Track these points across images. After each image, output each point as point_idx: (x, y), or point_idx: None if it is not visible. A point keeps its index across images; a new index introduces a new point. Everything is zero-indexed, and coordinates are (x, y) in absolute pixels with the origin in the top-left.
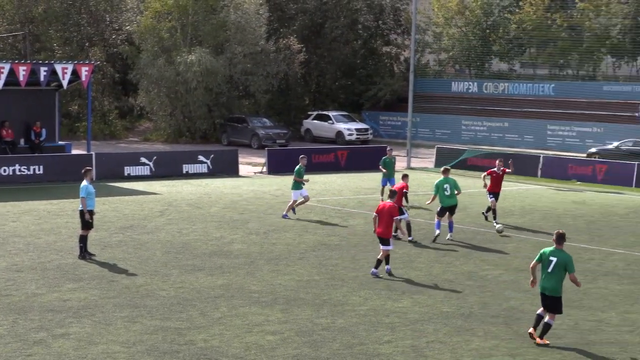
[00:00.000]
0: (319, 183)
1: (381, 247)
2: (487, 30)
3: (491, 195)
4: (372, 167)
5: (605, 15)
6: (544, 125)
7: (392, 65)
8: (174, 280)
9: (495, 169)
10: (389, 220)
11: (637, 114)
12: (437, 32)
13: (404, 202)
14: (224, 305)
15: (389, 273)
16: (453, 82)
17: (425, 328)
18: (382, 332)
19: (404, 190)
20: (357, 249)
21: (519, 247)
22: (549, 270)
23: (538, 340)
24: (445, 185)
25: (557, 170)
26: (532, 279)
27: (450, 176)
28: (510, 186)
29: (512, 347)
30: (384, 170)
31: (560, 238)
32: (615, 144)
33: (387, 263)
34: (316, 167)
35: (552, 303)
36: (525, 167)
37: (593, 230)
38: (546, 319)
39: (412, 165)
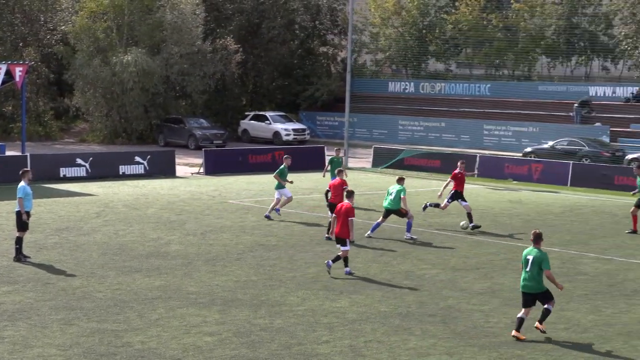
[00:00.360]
0: (256, 183)
1: (341, 248)
2: (424, 31)
3: (463, 201)
4: (309, 167)
5: (540, 16)
6: (480, 125)
7: (329, 65)
8: (111, 282)
9: (458, 170)
10: (345, 221)
11: (572, 114)
12: (373, 32)
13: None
14: (161, 306)
15: (349, 273)
16: (390, 82)
17: (363, 328)
18: (320, 332)
19: (343, 187)
20: (295, 250)
21: (456, 246)
22: (527, 268)
23: (537, 325)
24: (392, 190)
25: (494, 170)
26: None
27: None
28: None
29: (450, 346)
30: (329, 170)
31: (537, 237)
32: (551, 143)
33: (345, 265)
34: (253, 168)
35: (543, 296)
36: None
37: (529, 229)
38: (546, 305)
39: (350, 165)
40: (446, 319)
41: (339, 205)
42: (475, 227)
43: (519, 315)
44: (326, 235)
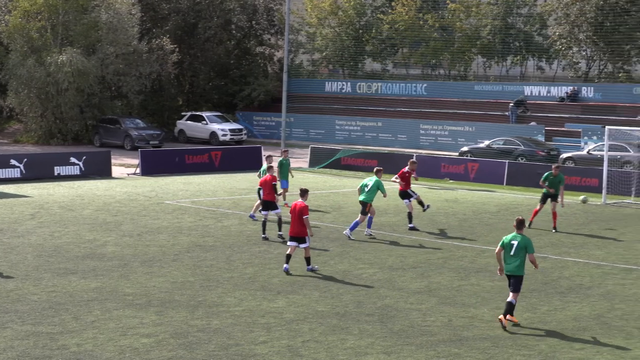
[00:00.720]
0: (193, 184)
1: (300, 246)
2: (360, 31)
3: (407, 200)
4: (246, 168)
5: (475, 16)
6: (417, 124)
7: (266, 65)
8: (46, 284)
9: (407, 168)
10: (300, 220)
11: (507, 113)
12: (310, 32)
13: (276, 196)
14: (97, 308)
15: (313, 270)
16: (327, 82)
17: (301, 328)
18: (258, 333)
19: (273, 183)
20: (232, 250)
21: (393, 245)
22: (512, 253)
23: (501, 316)
24: (368, 183)
25: (430, 169)
26: (499, 267)
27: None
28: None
29: (387, 345)
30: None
31: (520, 223)
32: (487, 142)
33: (308, 263)
34: (190, 168)
35: (515, 282)
36: (398, 166)
37: (465, 228)
38: (509, 298)
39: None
40: (384, 318)
41: (293, 204)
42: (412, 228)
43: (508, 299)
44: (262, 235)
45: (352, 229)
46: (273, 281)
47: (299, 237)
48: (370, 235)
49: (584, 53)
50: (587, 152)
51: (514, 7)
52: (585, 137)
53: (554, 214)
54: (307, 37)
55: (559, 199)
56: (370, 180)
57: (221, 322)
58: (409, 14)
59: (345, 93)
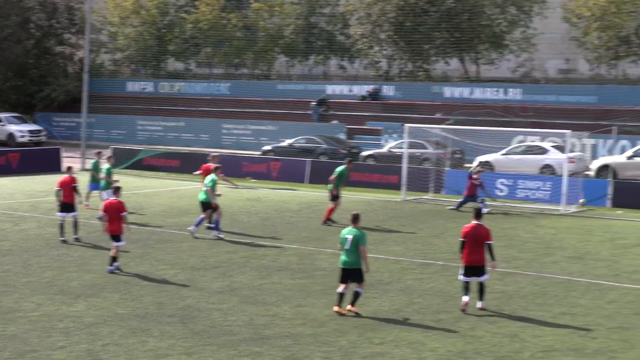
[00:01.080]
0: None
1: (113, 243)
2: (163, 30)
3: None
4: (45, 170)
5: (279, 16)
6: (219, 124)
7: (66, 65)
8: None
9: (211, 163)
10: (117, 217)
11: (310, 112)
12: (112, 31)
13: (76, 197)
14: None
15: (118, 269)
16: (129, 82)
17: (101, 331)
18: (56, 338)
19: (73, 185)
20: (30, 254)
21: (195, 246)
22: (347, 247)
23: (350, 307)
24: (207, 181)
25: (232, 169)
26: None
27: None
28: (184, 185)
29: (188, 346)
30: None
31: (355, 218)
32: (289, 141)
33: (114, 261)
34: None
35: (356, 274)
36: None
37: (267, 226)
38: (356, 288)
39: (88, 166)
40: (185, 319)
41: (108, 202)
42: (210, 228)
43: (338, 290)
44: (60, 238)
45: (216, 228)
46: (72, 284)
47: (114, 234)
48: (218, 236)
49: (385, 52)
50: (388, 150)
51: (316, 7)
52: (386, 135)
53: (330, 209)
54: (109, 37)
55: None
56: (208, 178)
57: (17, 328)
58: (213, 13)
59: (147, 93)
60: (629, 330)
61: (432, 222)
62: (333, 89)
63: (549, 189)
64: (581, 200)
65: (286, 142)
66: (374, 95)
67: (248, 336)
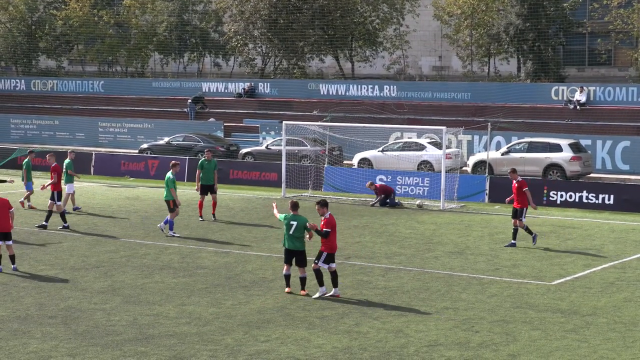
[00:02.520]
0: None
1: (6, 243)
2: (33, 27)
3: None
4: None
5: (151, 13)
6: (95, 122)
7: None
8: None
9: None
10: (6, 214)
11: (186, 110)
12: None
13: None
14: None
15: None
16: None
17: None
18: None
19: None
20: None
21: (74, 246)
22: (291, 232)
23: (302, 292)
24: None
25: (110, 167)
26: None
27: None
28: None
29: (72, 347)
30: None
31: (294, 205)
32: (167, 139)
33: (12, 263)
34: None
35: (299, 256)
36: (78, 164)
37: (148, 225)
38: (300, 274)
39: None
40: (67, 319)
41: None
42: (43, 226)
43: (284, 272)
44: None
45: (166, 222)
46: None
47: (4, 232)
48: (174, 235)
49: (260, 50)
50: (266, 147)
51: (189, 4)
52: (264, 132)
53: (214, 203)
54: None
55: (215, 186)
56: (166, 175)
57: None
58: (84, 10)
59: (19, 91)
60: (511, 324)
61: (313, 218)
62: (209, 87)
63: (427, 184)
64: (419, 202)
65: (164, 140)
66: (250, 92)
67: (132, 336)
